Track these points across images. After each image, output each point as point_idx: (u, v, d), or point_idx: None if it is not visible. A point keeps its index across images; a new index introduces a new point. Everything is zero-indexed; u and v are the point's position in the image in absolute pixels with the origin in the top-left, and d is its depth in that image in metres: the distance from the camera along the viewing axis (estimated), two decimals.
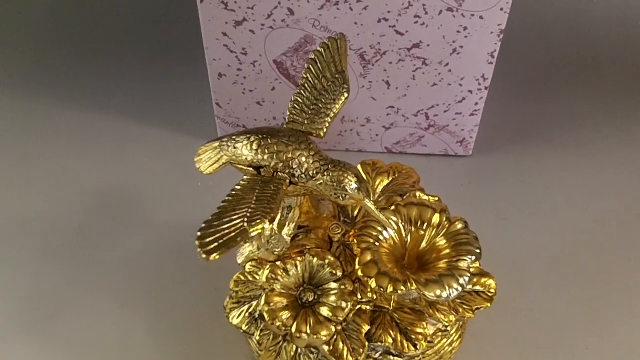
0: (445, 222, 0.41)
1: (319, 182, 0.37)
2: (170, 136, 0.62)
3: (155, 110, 0.64)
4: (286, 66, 0.54)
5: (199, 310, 0.50)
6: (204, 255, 0.32)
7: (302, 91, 0.40)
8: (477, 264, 0.42)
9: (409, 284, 0.38)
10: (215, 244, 0.33)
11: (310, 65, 0.41)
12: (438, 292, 0.38)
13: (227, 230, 0.33)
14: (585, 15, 0.72)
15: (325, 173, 0.37)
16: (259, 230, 0.33)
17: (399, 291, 0.38)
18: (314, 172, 0.37)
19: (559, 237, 0.55)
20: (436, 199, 0.44)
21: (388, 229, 0.41)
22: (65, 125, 0.63)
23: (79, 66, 0.69)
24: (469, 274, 0.39)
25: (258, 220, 0.34)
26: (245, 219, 0.34)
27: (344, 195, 0.37)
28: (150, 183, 0.59)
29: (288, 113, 0.40)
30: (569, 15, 0.72)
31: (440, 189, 0.46)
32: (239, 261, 0.42)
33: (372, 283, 0.38)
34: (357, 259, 0.40)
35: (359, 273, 0.39)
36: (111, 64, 0.69)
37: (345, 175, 0.37)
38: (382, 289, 0.38)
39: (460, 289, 0.38)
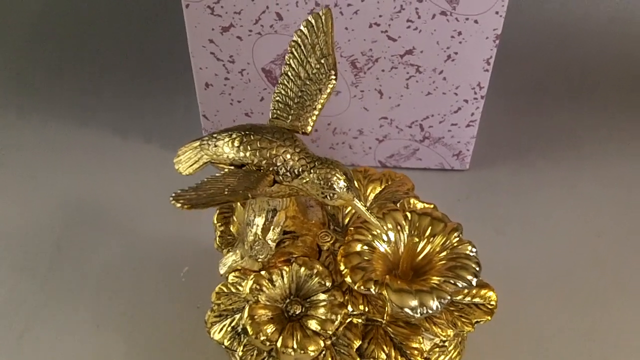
0: (455, 242, 0.39)
1: (305, 181, 0.35)
2: (156, 151, 0.60)
3: (140, 125, 0.63)
4: (275, 75, 0.53)
5: (180, 329, 0.48)
6: (178, 204, 0.30)
7: (285, 81, 0.38)
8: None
9: (379, 287, 0.36)
10: (193, 194, 0.31)
11: (293, 50, 0.38)
12: (411, 303, 0.36)
13: (207, 192, 0.32)
14: (585, 23, 0.71)
15: (311, 171, 0.35)
16: (239, 203, 0.31)
17: (370, 289, 0.36)
18: (300, 170, 0.35)
19: (558, 252, 0.53)
20: (432, 206, 0.42)
21: (390, 233, 0.38)
22: (47, 139, 0.61)
23: (61, 79, 0.67)
24: (448, 298, 0.36)
25: (241, 192, 0.32)
26: (227, 190, 0.32)
27: (332, 195, 0.35)
28: (134, 199, 0.57)
29: (271, 108, 0.38)
30: (568, 22, 0.71)
31: (436, 203, 0.44)
32: (222, 272, 0.40)
33: (347, 277, 0.37)
34: (342, 247, 0.37)
35: (340, 265, 0.37)
36: (94, 75, 0.67)
37: (334, 173, 0.34)
38: (352, 284, 0.36)
39: (434, 309, 0.36)
